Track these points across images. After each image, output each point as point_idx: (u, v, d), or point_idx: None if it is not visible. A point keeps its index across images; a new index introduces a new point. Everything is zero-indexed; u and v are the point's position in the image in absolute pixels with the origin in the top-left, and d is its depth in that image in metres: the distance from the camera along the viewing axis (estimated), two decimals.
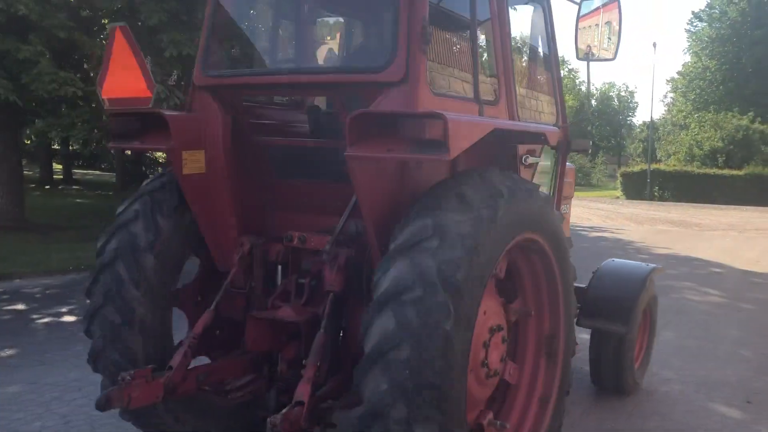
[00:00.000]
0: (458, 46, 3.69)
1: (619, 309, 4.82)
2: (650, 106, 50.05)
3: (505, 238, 3.02)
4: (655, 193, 34.29)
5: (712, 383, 5.60)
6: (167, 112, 3.43)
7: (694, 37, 47.13)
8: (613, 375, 5.07)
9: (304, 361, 3.17)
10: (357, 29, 4.48)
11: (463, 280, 2.67)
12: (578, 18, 4.32)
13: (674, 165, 35.99)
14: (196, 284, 3.97)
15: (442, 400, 2.59)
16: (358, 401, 2.68)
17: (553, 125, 4.29)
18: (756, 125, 36.74)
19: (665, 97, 57.43)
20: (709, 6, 46.11)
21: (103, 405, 3.01)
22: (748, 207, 28.87)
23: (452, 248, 2.69)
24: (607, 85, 63.41)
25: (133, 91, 3.82)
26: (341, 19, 4.58)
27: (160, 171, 4.18)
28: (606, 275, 5.06)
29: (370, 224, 3.08)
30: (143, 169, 23.56)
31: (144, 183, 3.78)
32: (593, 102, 59.36)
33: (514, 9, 4.08)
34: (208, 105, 3.57)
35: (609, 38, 4.30)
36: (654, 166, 35.57)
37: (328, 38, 4.60)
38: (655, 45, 59.37)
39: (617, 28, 4.30)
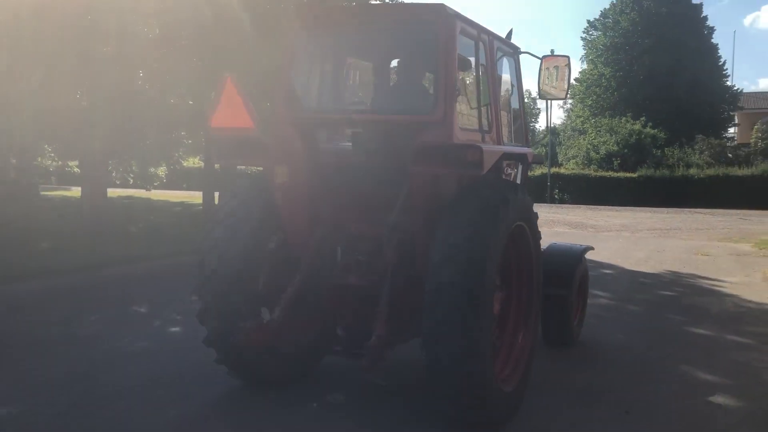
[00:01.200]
0: (467, 93, 5.07)
1: (562, 278, 6.29)
2: (548, 112, 51.63)
3: (509, 224, 4.47)
4: (556, 196, 35.35)
5: (594, 392, 5.45)
6: (266, 139, 4.84)
7: (590, 45, 49.14)
8: (559, 330, 6.50)
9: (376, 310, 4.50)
10: (407, 81, 5.50)
11: (488, 249, 4.16)
12: (540, 69, 5.96)
13: (573, 169, 37.27)
14: (273, 261, 5.15)
15: (474, 332, 4.04)
16: (412, 336, 4.62)
17: (522, 145, 6.11)
18: (647, 129, 38.64)
19: (565, 103, 59.68)
20: (603, 15, 48.25)
21: (237, 341, 4.46)
22: (641, 208, 30.20)
23: (480, 234, 4.17)
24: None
25: (238, 123, 4.83)
26: (395, 75, 5.84)
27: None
28: (551, 253, 6.50)
29: (418, 216, 4.56)
30: None
31: (235, 185, 5.20)
32: None
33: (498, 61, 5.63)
34: (289, 133, 4.91)
35: (555, 85, 5.98)
36: (554, 170, 36.67)
37: (383, 86, 5.77)
38: (552, 52, 61.37)
39: (566, 76, 5.94)
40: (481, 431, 4.50)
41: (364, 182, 5.06)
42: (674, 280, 11.02)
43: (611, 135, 38.57)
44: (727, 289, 10.16)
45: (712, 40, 46.39)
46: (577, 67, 52.92)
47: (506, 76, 6.02)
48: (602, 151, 38.14)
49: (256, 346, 4.60)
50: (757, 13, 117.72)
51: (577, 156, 40.41)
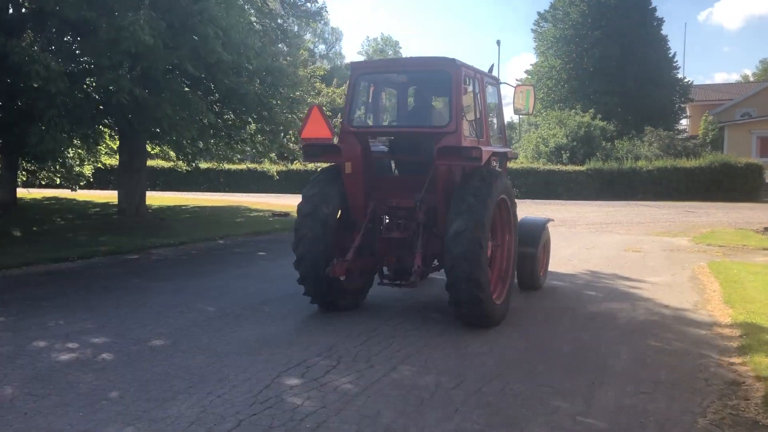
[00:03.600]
0: (468, 112, 7.22)
1: (531, 240, 8.71)
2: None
3: (496, 197, 6.93)
4: None
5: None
6: (338, 144, 7.41)
7: (540, 38, 48.35)
8: (530, 278, 8.82)
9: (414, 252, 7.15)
10: (429, 106, 8.30)
11: (485, 211, 6.60)
12: (514, 93, 8.60)
13: (521, 162, 36.29)
14: (339, 226, 7.47)
15: (478, 260, 6.47)
16: (436, 268, 7.87)
17: (503, 146, 8.86)
18: (596, 122, 37.89)
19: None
20: (553, 7, 47.48)
21: (327, 272, 6.89)
22: (589, 202, 29.33)
23: (479, 201, 6.61)
24: None
25: (321, 134, 7.55)
26: (421, 102, 8.35)
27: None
28: (523, 223, 8.91)
29: (439, 192, 7.09)
30: None
31: (315, 175, 7.61)
32: None
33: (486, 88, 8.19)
34: (351, 140, 7.43)
35: (524, 104, 8.53)
36: None
37: (413, 109, 8.46)
38: (498, 43, 61.30)
39: (532, 98, 8.56)
40: (482, 329, 6.82)
41: (398, 172, 8.05)
42: (589, 283, 9.82)
43: (561, 127, 37.72)
44: (646, 292, 9.00)
45: (662, 32, 45.91)
46: (529, 60, 52.26)
47: (491, 100, 8.57)
48: (551, 144, 37.27)
49: (337, 276, 6.96)
50: (710, 9, 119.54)
51: (526, 150, 39.50)
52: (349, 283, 7.45)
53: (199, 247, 13.48)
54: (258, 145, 20.35)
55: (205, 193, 34.40)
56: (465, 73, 7.38)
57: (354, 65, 8.13)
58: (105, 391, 4.90)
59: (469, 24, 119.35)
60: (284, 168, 28.48)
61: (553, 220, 10.16)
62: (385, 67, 8.97)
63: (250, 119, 18.24)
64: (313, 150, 7.46)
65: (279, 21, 18.76)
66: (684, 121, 51.78)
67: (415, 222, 7.28)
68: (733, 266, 11.04)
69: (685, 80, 47.48)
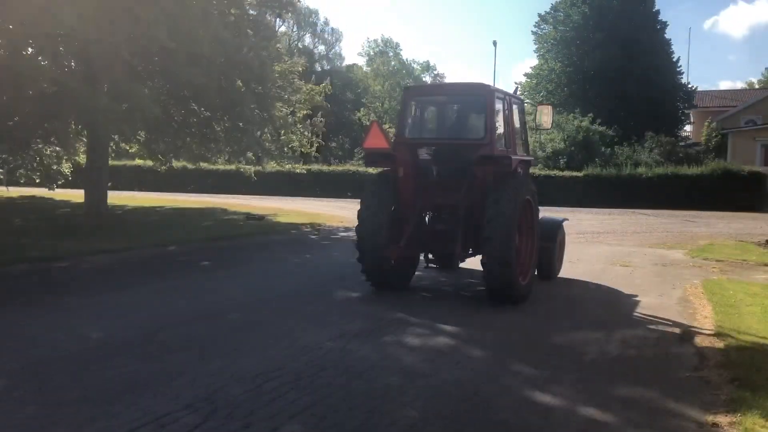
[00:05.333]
0: (499, 127, 8.90)
1: (549, 235, 10.15)
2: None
3: (523, 197, 8.30)
4: None
5: None
6: (393, 152, 8.83)
7: (540, 40, 47.09)
8: (547, 269, 10.16)
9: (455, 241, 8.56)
10: (466, 121, 9.91)
11: (515, 207, 7.96)
12: (535, 111, 10.81)
13: None
14: (397, 218, 8.85)
15: (510, 246, 7.81)
16: (473, 254, 8.91)
17: (526, 155, 10.25)
18: (595, 126, 36.60)
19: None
20: (554, 8, 46.24)
21: (386, 253, 8.41)
22: (585, 209, 27.94)
23: (510, 200, 7.91)
24: None
25: (379, 145, 8.92)
26: (460, 118, 10.02)
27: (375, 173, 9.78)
28: (542, 222, 10.02)
29: (476, 192, 8.42)
30: None
31: (372, 178, 9.28)
32: None
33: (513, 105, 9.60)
34: (403, 149, 8.91)
35: (545, 118, 10.42)
36: None
37: (453, 123, 10.04)
38: (495, 43, 60.27)
39: (550, 114, 10.54)
40: (509, 306, 8.11)
41: (441, 176, 8.89)
42: (564, 304, 8.54)
43: (558, 132, 36.40)
44: (626, 317, 7.73)
45: (665, 36, 44.63)
46: (529, 63, 51.13)
47: (517, 116, 9.68)
48: (548, 148, 35.97)
49: (393, 258, 8.56)
50: (716, 17, 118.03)
51: None
52: (398, 267, 8.93)
53: (142, 254, 12.24)
54: (232, 144, 19.16)
55: (191, 195, 33.28)
56: (496, 95, 8.86)
57: (406, 89, 9.86)
58: None
59: (468, 25, 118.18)
60: (261, 168, 27.17)
61: (568, 220, 11.64)
62: (432, 91, 11.74)
63: (215, 115, 17.05)
64: (374, 157, 9.29)
65: (250, 12, 17.52)
66: (688, 128, 50.40)
67: (455, 216, 8.65)
68: (730, 286, 9.77)
69: (689, 85, 46.16)
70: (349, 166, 38.83)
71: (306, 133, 21.04)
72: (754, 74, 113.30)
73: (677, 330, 7.17)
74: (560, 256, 10.79)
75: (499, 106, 8.85)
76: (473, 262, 9.14)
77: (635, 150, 35.37)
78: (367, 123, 67.11)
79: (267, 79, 16.28)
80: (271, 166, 25.10)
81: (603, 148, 35.70)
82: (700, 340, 6.71)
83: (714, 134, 37.78)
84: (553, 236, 10.20)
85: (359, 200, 8.79)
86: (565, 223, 11.06)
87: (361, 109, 65.52)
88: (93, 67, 10.98)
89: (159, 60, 12.33)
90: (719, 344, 6.47)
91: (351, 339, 6.36)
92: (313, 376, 5.20)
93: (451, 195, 8.63)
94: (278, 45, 19.55)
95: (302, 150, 21.51)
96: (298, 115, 21.10)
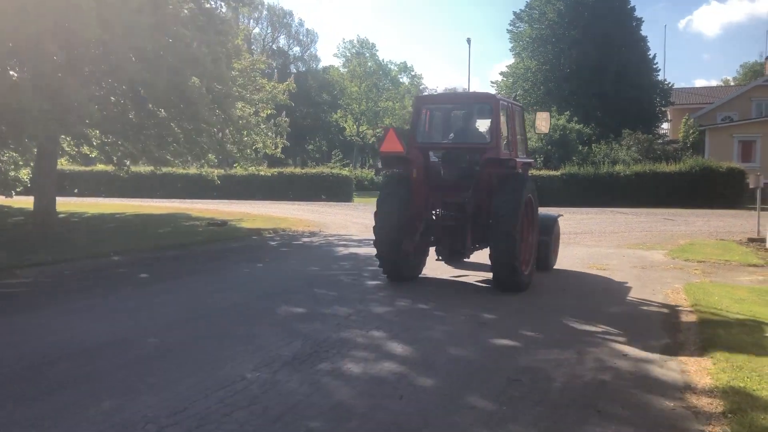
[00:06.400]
0: (503, 131, 9.65)
1: (545, 229, 10.87)
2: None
3: (526, 195, 9.10)
4: None
5: None
6: (408, 156, 9.62)
7: (516, 38, 46.47)
8: (544, 261, 10.82)
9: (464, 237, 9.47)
10: (474, 127, 10.31)
11: (519, 204, 8.85)
12: (535, 117, 11.18)
13: None
14: (410, 216, 9.53)
15: (515, 238, 8.67)
16: (479, 248, 9.92)
17: (527, 156, 11.25)
18: (572, 125, 36.00)
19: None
20: (529, 6, 45.65)
21: (403, 249, 9.30)
22: (563, 209, 26.92)
23: (516, 198, 8.87)
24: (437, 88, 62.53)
25: (395, 149, 9.66)
26: (468, 124, 10.33)
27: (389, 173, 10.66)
28: (540, 217, 10.61)
29: (483, 192, 9.29)
30: None
31: (387, 179, 10.13)
32: None
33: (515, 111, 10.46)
34: (416, 153, 9.67)
35: (543, 124, 11.04)
36: None
37: (462, 129, 10.37)
38: (469, 40, 59.97)
39: (547, 120, 11.47)
40: (511, 294, 8.85)
41: (450, 177, 9.75)
42: (533, 316, 7.65)
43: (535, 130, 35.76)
44: (601, 331, 6.86)
45: (641, 32, 44.24)
46: (506, 63, 50.61)
47: (518, 122, 10.60)
48: None
49: (408, 252, 9.35)
50: (689, 17, 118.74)
51: None
52: (411, 260, 9.70)
53: (79, 267, 11.17)
54: (192, 146, 18.10)
55: (159, 200, 32.13)
56: (501, 102, 9.74)
57: (417, 98, 11.07)
58: None
59: (445, 25, 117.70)
60: (223, 172, 26.10)
61: (563, 216, 12.66)
62: (441, 100, 12.52)
63: (171, 115, 16.00)
64: (389, 160, 9.93)
65: (205, 5, 16.51)
66: (665, 125, 50.09)
67: (463, 213, 9.35)
68: (714, 290, 8.99)
69: (666, 82, 45.81)
70: (323, 168, 37.83)
71: (270, 133, 20.01)
72: (727, 73, 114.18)
73: (659, 344, 6.33)
74: (555, 249, 11.59)
75: (503, 112, 9.70)
76: (475, 258, 10.54)
77: (613, 148, 34.84)
78: (344, 125, 66.66)
79: (223, 77, 15.26)
80: (237, 169, 24.01)
81: (580, 147, 35.15)
82: (684, 358, 5.87)
83: (691, 131, 37.37)
84: (549, 231, 10.95)
85: (375, 201, 9.77)
86: (560, 218, 12.06)
87: (338, 110, 64.61)
88: (12, 59, 9.90)
89: (99, 54, 11.27)
90: (706, 362, 5.64)
91: (280, 368, 5.42)
92: (219, 421, 4.25)
93: (459, 194, 9.39)
94: (237, 41, 18.50)
95: (266, 151, 20.46)
96: (262, 114, 20.08)
